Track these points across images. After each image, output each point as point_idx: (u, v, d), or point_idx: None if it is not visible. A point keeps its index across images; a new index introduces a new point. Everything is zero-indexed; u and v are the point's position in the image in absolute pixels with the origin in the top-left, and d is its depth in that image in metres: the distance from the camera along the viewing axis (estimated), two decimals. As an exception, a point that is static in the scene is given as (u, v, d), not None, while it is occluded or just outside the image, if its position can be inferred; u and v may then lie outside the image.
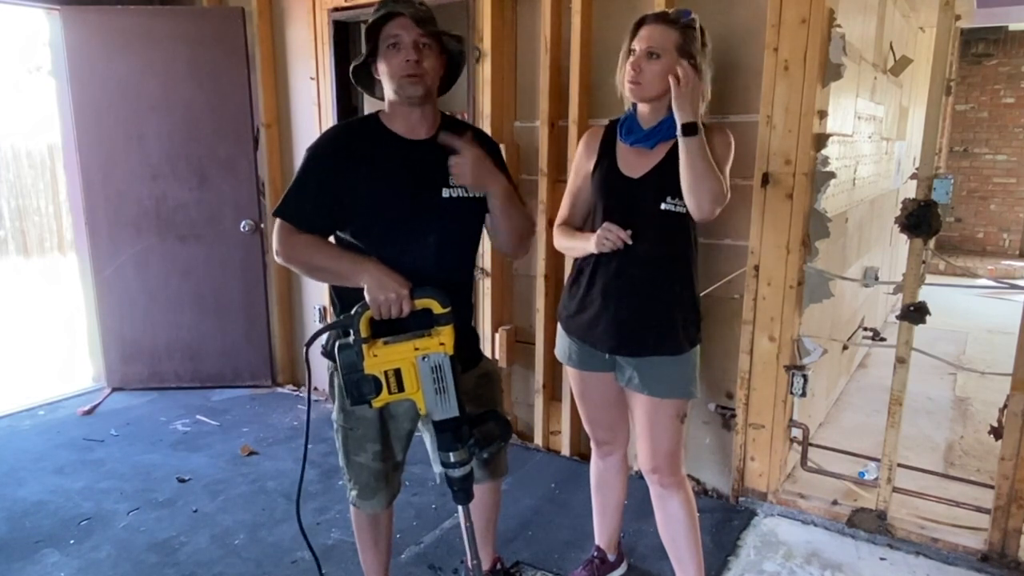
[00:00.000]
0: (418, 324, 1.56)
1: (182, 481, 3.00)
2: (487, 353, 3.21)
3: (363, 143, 1.70)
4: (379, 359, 1.52)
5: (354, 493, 1.88)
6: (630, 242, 1.80)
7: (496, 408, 1.92)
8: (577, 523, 2.61)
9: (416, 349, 1.52)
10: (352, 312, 1.55)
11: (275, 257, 1.68)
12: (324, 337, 1.66)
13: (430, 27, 1.62)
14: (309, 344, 1.59)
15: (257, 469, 3.12)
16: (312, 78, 3.65)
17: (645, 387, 1.91)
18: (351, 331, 1.54)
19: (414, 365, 1.52)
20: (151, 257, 3.89)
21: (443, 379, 1.53)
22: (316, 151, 1.70)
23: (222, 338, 4.01)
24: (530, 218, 1.83)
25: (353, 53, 3.60)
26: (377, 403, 1.54)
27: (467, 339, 1.84)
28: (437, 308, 1.54)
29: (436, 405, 1.54)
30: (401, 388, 1.53)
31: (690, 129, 1.74)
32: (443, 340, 1.52)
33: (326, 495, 2.86)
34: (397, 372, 1.52)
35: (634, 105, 1.90)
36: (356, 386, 1.53)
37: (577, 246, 1.96)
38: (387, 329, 1.57)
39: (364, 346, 1.52)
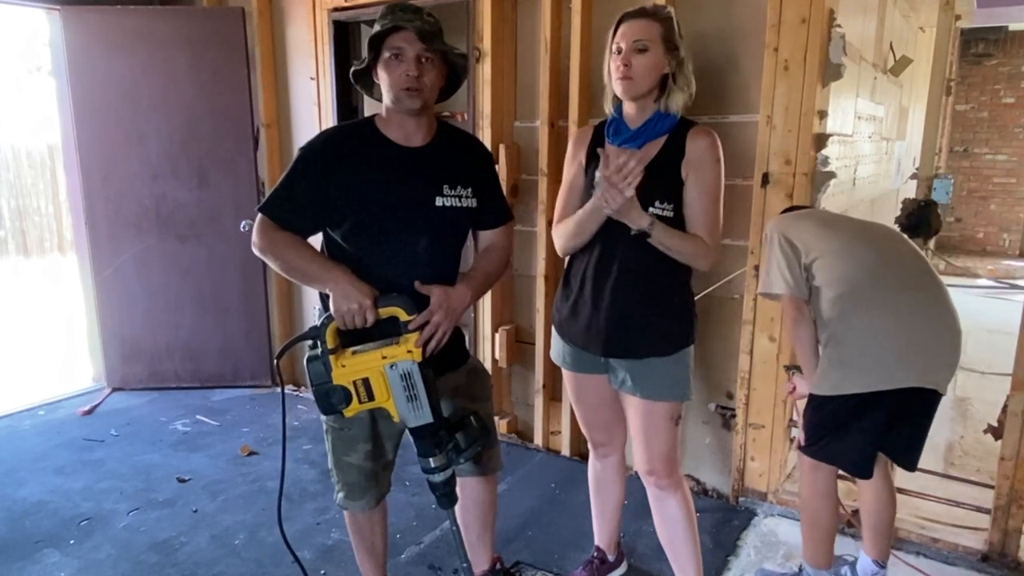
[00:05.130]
0: (392, 332, 1.56)
1: (182, 481, 3.00)
2: (488, 353, 3.25)
3: (357, 147, 1.68)
4: (347, 369, 1.52)
5: (341, 495, 1.88)
6: (633, 166, 1.67)
7: (486, 404, 1.93)
8: (577, 523, 2.61)
9: (384, 358, 1.52)
10: (319, 323, 1.55)
11: (252, 248, 1.67)
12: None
13: (435, 44, 1.61)
14: (279, 357, 1.60)
15: (257, 469, 3.12)
16: (312, 78, 3.65)
17: (638, 389, 1.91)
18: (319, 342, 1.54)
19: (382, 374, 1.52)
20: (151, 257, 3.89)
21: (413, 386, 1.52)
22: (307, 152, 1.68)
23: (222, 338, 4.01)
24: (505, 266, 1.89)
25: (353, 53, 3.60)
26: (349, 412, 1.55)
27: (450, 340, 1.84)
28: (403, 316, 1.53)
29: (409, 412, 1.54)
30: (371, 397, 1.53)
31: (646, 233, 1.74)
32: (411, 348, 1.52)
33: (326, 495, 2.86)
34: (366, 381, 1.52)
35: (619, 107, 1.89)
36: (326, 397, 1.53)
37: (580, 218, 1.85)
38: (360, 338, 1.56)
39: (332, 357, 1.52)
